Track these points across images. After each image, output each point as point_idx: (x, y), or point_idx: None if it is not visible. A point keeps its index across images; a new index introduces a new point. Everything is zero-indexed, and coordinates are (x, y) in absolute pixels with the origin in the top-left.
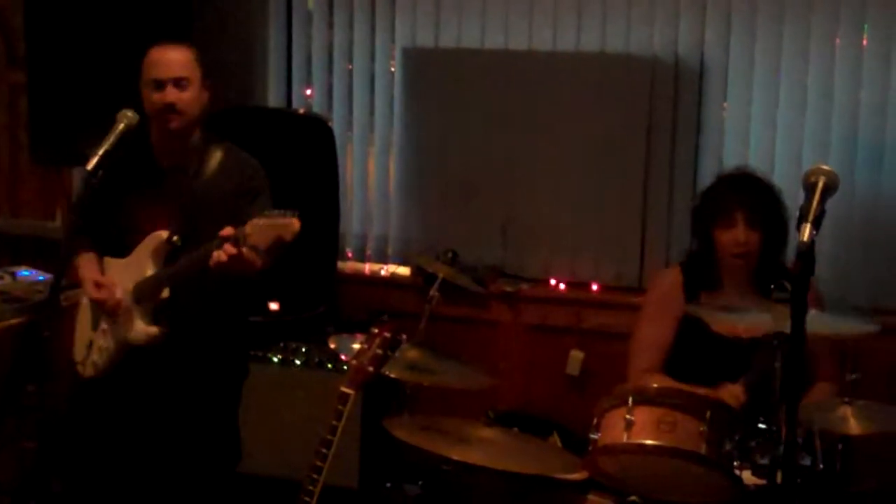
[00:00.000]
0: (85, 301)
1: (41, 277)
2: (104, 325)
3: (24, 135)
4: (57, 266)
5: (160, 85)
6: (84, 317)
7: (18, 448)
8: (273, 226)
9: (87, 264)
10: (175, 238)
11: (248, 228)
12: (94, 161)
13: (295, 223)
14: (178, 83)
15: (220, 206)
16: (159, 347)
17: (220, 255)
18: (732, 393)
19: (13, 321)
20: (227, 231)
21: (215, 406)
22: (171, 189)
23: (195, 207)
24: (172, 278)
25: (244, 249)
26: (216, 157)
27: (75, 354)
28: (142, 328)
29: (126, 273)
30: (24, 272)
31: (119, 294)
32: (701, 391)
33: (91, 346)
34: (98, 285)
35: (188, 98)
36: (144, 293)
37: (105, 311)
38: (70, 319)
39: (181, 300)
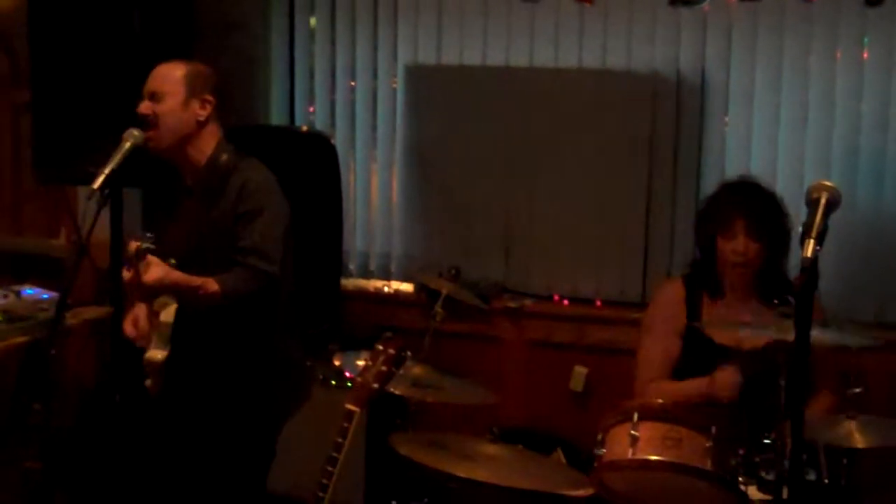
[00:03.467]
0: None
1: (45, 296)
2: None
3: (28, 153)
4: (62, 284)
5: (141, 97)
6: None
7: (23, 468)
8: None
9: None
10: (172, 261)
11: None
12: (100, 179)
13: None
14: (153, 96)
15: (224, 232)
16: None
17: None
18: (728, 376)
19: (18, 340)
20: None
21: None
22: (185, 214)
23: (203, 235)
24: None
25: None
26: (239, 178)
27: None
28: (159, 354)
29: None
30: (29, 290)
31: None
32: (696, 382)
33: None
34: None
35: (161, 111)
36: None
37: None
38: (76, 338)
39: (187, 324)
